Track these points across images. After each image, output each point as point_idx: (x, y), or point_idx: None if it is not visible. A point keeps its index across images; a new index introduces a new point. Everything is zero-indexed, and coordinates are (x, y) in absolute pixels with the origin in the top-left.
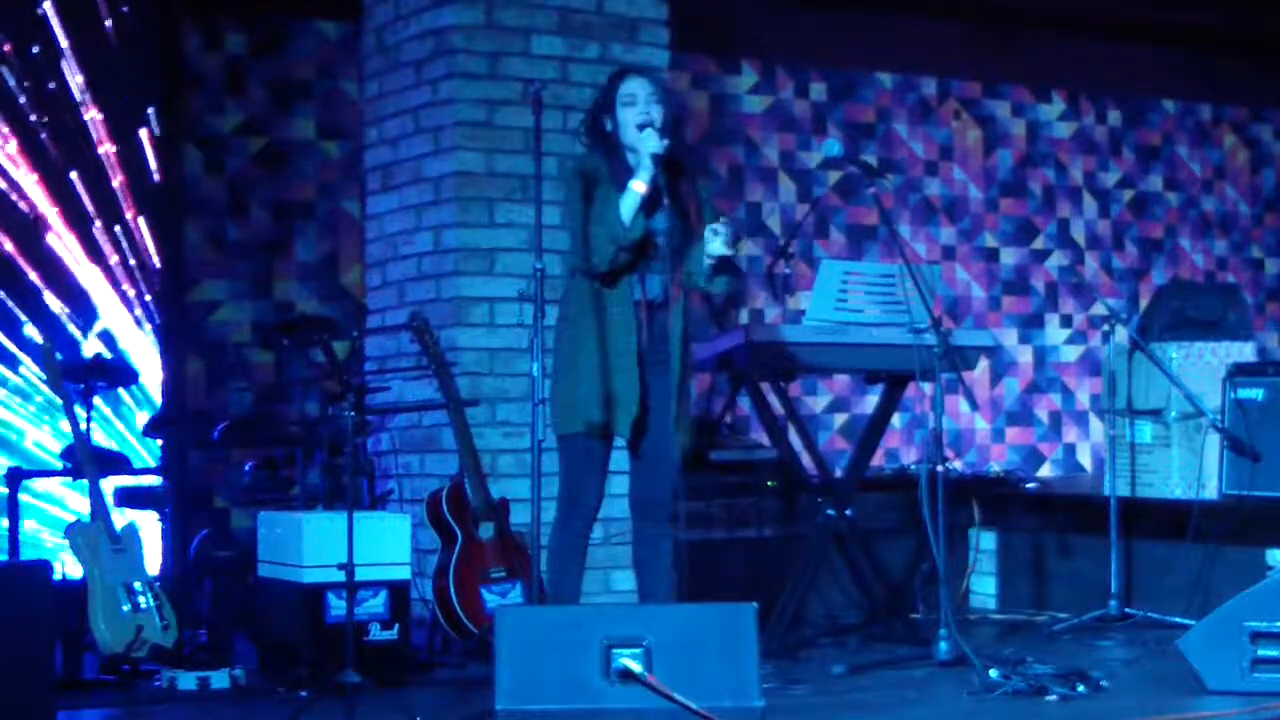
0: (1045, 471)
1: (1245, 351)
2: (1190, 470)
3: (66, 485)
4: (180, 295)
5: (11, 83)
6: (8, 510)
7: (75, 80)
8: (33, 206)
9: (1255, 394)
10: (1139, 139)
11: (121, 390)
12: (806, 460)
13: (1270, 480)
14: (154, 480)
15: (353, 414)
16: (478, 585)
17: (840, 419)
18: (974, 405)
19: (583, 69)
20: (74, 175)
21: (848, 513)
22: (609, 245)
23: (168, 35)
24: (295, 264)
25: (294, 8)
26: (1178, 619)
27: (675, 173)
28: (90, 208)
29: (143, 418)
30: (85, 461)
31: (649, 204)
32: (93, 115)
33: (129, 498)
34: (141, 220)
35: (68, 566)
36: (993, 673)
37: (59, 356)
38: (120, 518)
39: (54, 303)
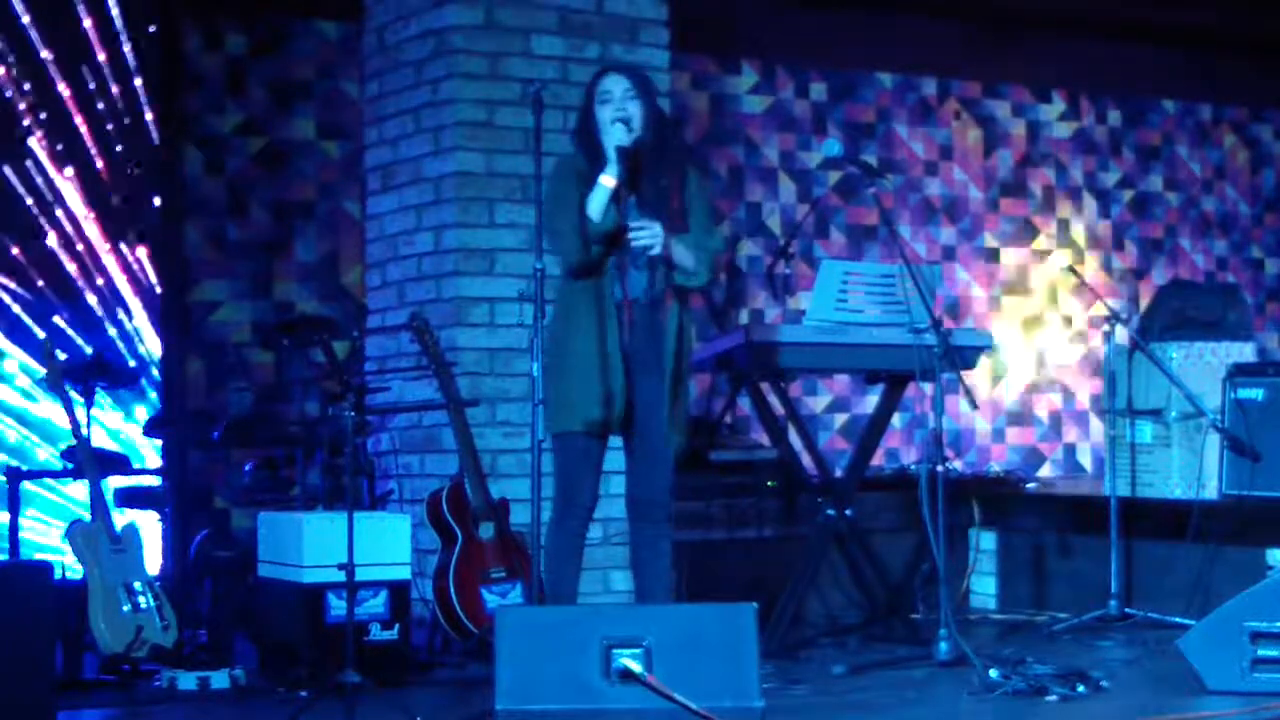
0: (1045, 471)
1: (1245, 352)
2: (1190, 470)
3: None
4: (180, 295)
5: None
6: (8, 509)
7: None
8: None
9: (1255, 394)
10: (1139, 139)
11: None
12: (807, 460)
13: (1270, 480)
14: (154, 480)
15: (353, 414)
16: (478, 585)
17: (840, 419)
18: (974, 405)
19: (583, 69)
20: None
21: (848, 513)
22: (576, 238)
23: (168, 35)
24: (295, 264)
25: (294, 8)
26: (1178, 619)
27: (656, 168)
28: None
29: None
30: (85, 461)
31: (618, 198)
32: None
33: (129, 498)
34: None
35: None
36: (993, 673)
37: (61, 356)
38: (120, 518)
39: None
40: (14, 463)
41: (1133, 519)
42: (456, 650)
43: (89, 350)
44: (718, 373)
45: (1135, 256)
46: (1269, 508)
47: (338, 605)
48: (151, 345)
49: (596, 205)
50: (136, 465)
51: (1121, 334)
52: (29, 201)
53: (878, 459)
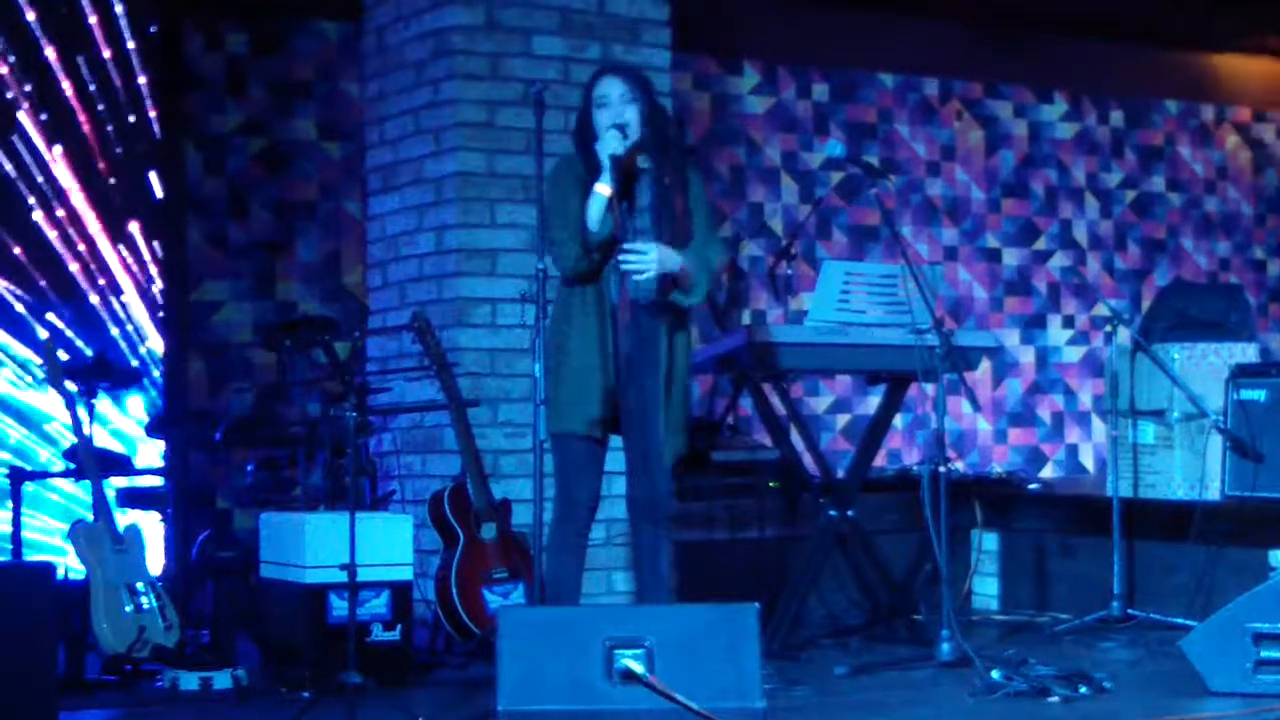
0: (1047, 472)
1: (1248, 352)
2: (1193, 471)
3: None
4: (182, 295)
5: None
6: (11, 511)
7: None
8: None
9: (1258, 395)
10: (1141, 139)
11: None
12: (808, 461)
13: (1273, 481)
14: (156, 481)
15: (355, 414)
16: (480, 586)
17: (842, 419)
18: (976, 406)
19: (584, 69)
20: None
21: (850, 513)
22: (575, 246)
23: (169, 35)
24: (297, 264)
25: (295, 8)
26: (1180, 620)
27: (658, 168)
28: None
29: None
30: (87, 462)
31: (614, 206)
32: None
33: (131, 498)
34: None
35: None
36: (995, 674)
37: (63, 356)
38: (123, 518)
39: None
40: (17, 462)
41: (1135, 520)
42: (458, 651)
43: (90, 350)
44: (720, 373)
45: (1138, 257)
46: (1271, 509)
47: (340, 606)
48: (154, 345)
49: (593, 214)
50: (138, 465)
51: (1124, 335)
52: (30, 200)
53: (880, 460)
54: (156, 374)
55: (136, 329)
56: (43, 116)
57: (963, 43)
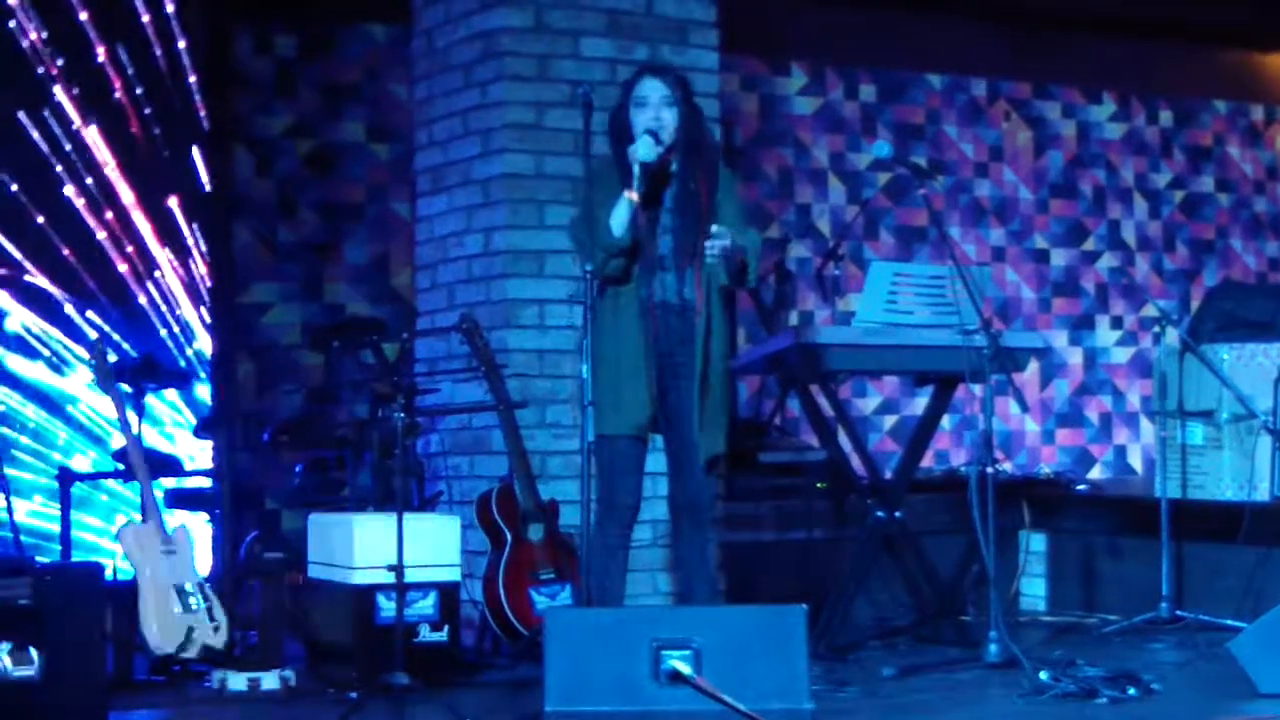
0: (1095, 473)
1: None
2: (1242, 472)
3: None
4: (231, 297)
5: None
6: (60, 511)
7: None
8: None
9: None
10: (1190, 139)
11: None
12: (856, 462)
13: None
14: (205, 482)
15: (402, 416)
16: (527, 587)
17: (890, 420)
18: (1024, 407)
19: (632, 71)
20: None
21: (897, 514)
22: (599, 251)
23: (218, 38)
24: (345, 266)
25: (344, 11)
26: (1229, 622)
27: (686, 171)
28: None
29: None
30: (136, 463)
31: (640, 212)
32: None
33: (180, 499)
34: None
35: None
36: (1043, 675)
37: (112, 358)
38: (171, 519)
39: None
40: (68, 462)
41: (1183, 521)
42: (506, 652)
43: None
44: (767, 374)
45: (1186, 257)
46: None
47: (387, 606)
48: (202, 346)
49: (619, 220)
50: (187, 467)
51: (1172, 335)
52: (80, 203)
53: (927, 460)
54: (203, 375)
55: (185, 330)
56: (91, 119)
57: (1010, 43)
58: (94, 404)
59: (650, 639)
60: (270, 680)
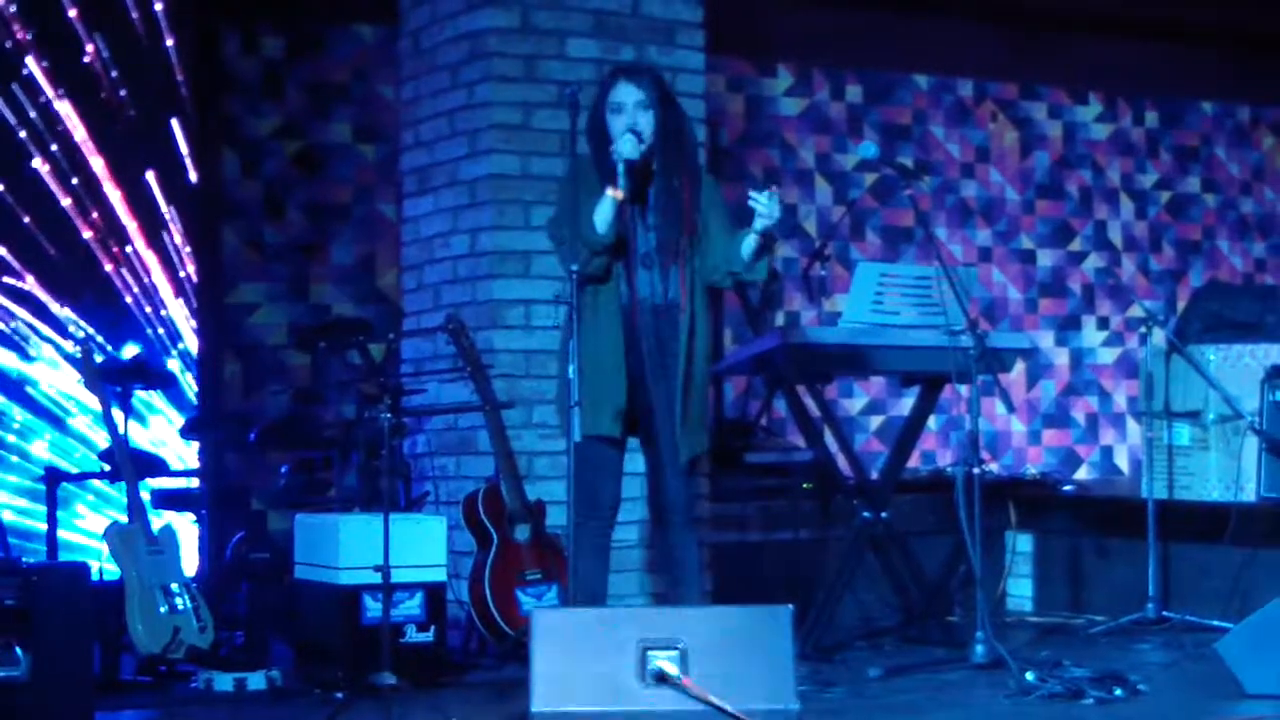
0: (1082, 474)
1: None
2: (1228, 473)
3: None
4: (218, 297)
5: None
6: (46, 511)
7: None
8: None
9: None
10: (1176, 140)
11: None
12: (842, 462)
13: None
14: (191, 482)
15: (389, 416)
16: (513, 587)
17: (876, 421)
18: (1010, 407)
19: None
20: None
21: (883, 515)
22: (582, 249)
23: (205, 38)
24: (332, 267)
25: (331, 12)
26: (1216, 622)
27: (668, 170)
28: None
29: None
30: (123, 463)
31: (623, 211)
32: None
33: (166, 499)
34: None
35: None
36: (1029, 676)
37: (98, 359)
38: (157, 519)
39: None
40: (57, 462)
41: (1170, 522)
42: (492, 652)
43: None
44: (753, 375)
45: (1172, 258)
46: None
47: (374, 607)
48: (189, 346)
49: (602, 217)
50: (173, 467)
51: (1159, 336)
52: (67, 202)
53: (913, 461)
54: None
55: (172, 331)
56: (78, 117)
57: (997, 44)
58: (58, 385)
59: (636, 639)
60: (257, 680)
